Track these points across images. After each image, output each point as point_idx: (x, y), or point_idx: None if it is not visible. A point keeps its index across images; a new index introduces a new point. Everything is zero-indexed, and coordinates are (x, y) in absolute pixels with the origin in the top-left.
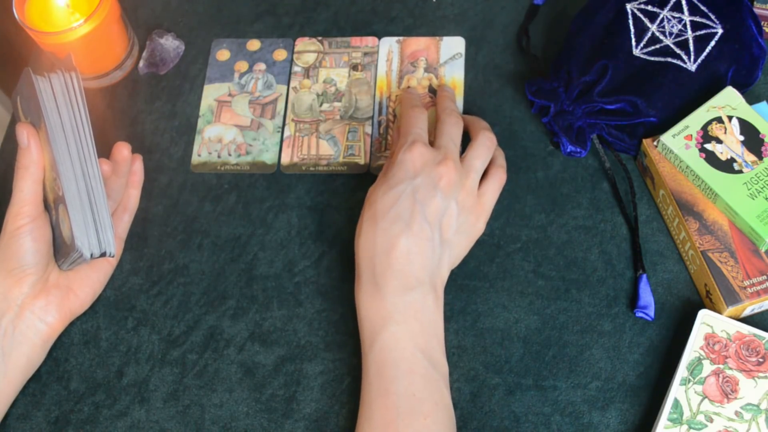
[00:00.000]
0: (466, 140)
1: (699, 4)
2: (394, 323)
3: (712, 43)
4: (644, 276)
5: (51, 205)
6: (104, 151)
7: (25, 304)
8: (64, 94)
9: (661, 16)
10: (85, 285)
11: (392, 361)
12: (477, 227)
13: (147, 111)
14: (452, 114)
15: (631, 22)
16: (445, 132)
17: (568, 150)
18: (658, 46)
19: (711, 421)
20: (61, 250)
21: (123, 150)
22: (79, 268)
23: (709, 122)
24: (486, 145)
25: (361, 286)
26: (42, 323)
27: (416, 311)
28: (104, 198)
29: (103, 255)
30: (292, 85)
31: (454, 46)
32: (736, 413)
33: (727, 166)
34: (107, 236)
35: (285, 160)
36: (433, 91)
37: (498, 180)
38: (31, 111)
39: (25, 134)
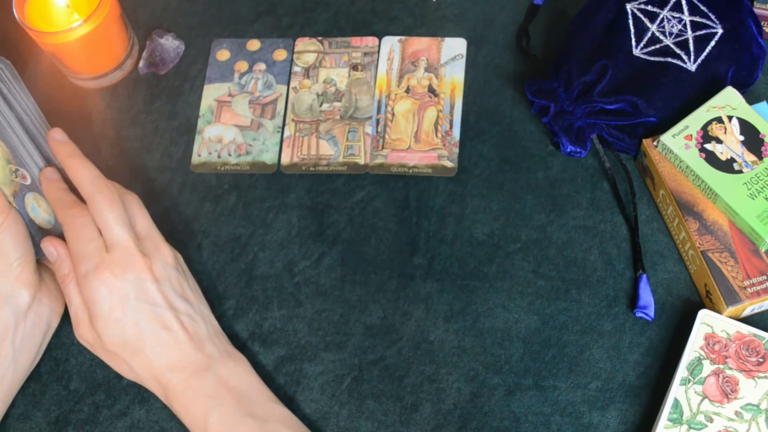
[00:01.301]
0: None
1: (699, 4)
2: (213, 412)
3: (712, 43)
4: (644, 276)
5: (10, 200)
6: (105, 151)
7: (36, 294)
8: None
9: (661, 16)
10: None
11: None
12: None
13: (147, 111)
14: (101, 190)
15: (631, 22)
16: (105, 221)
17: (568, 150)
18: (658, 46)
19: (711, 421)
20: (38, 238)
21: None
22: None
23: (709, 122)
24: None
25: (171, 399)
26: (49, 309)
27: (225, 384)
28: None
29: None
30: (292, 85)
31: (455, 47)
32: (736, 413)
33: (727, 166)
34: None
35: (285, 160)
36: (432, 90)
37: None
38: None
39: None
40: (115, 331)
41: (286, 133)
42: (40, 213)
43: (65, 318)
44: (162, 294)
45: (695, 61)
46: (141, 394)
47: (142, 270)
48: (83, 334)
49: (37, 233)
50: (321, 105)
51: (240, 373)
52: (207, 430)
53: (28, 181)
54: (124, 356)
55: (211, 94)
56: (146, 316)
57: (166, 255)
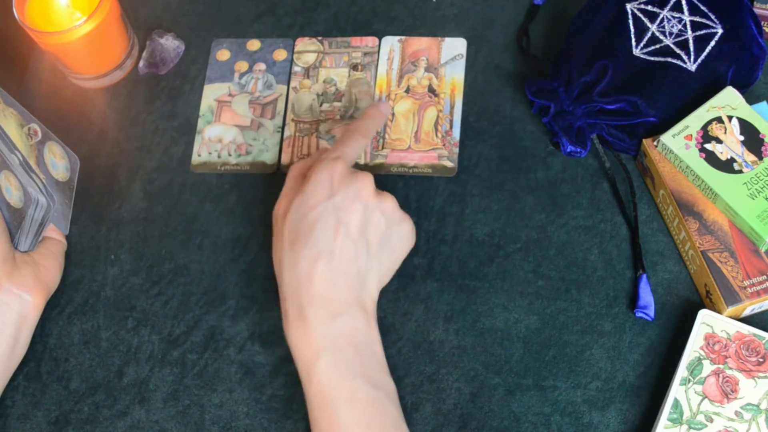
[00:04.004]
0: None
1: (699, 4)
2: (326, 353)
3: (712, 43)
4: (644, 276)
5: None
6: (105, 151)
7: (2, 282)
8: None
9: (661, 16)
10: (48, 257)
11: (331, 393)
12: (408, 237)
13: (147, 111)
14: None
15: (631, 22)
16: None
17: (568, 150)
18: (658, 46)
19: (711, 421)
20: (16, 223)
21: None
22: (38, 244)
23: (709, 122)
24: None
25: (289, 321)
26: (20, 298)
27: (348, 336)
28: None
29: (48, 202)
30: (292, 85)
31: (455, 47)
32: (736, 413)
33: (727, 166)
34: (40, 183)
35: (285, 160)
36: (432, 90)
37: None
38: None
39: None
40: (300, 212)
41: (286, 133)
42: (12, 192)
43: (62, 317)
44: (357, 219)
45: (695, 61)
46: (141, 394)
47: (362, 187)
48: (278, 206)
49: (13, 216)
50: (321, 105)
51: (366, 333)
52: (312, 371)
53: None
54: (286, 240)
55: (211, 94)
56: (329, 222)
57: (388, 200)
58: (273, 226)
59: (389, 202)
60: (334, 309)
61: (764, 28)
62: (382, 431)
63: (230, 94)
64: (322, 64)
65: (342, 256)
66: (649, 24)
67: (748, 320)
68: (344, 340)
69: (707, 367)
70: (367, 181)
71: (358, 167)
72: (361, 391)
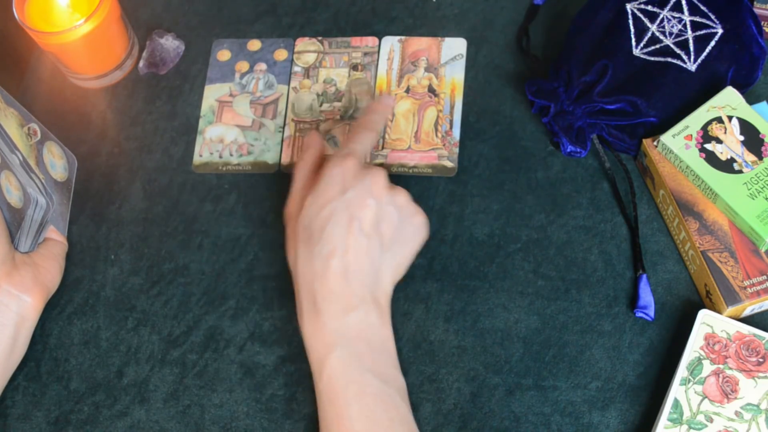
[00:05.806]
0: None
1: (699, 4)
2: (338, 348)
3: (712, 43)
4: (644, 276)
5: None
6: (105, 151)
7: (0, 283)
8: None
9: (661, 16)
10: (48, 258)
11: (342, 387)
12: (421, 230)
13: (147, 111)
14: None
15: (631, 22)
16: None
17: (568, 150)
18: (658, 46)
19: (711, 421)
20: (16, 224)
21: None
22: (39, 246)
23: (709, 122)
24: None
25: (303, 315)
26: (19, 300)
27: (360, 331)
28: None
29: (48, 203)
30: (292, 85)
31: (455, 47)
32: (736, 413)
33: (727, 166)
34: (39, 183)
35: (285, 160)
36: (432, 90)
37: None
38: None
39: None
40: (313, 210)
41: (286, 133)
42: (12, 192)
43: (62, 317)
44: (370, 215)
45: (695, 61)
46: (141, 394)
47: (375, 182)
48: (290, 205)
49: (14, 217)
50: (321, 105)
51: (379, 328)
52: (323, 366)
53: None
54: (300, 238)
55: (213, 94)
56: (342, 219)
57: (401, 194)
58: (285, 225)
59: (402, 196)
60: (348, 304)
61: (764, 28)
62: (390, 426)
63: (231, 95)
64: (322, 64)
65: (356, 252)
66: (649, 24)
67: (748, 320)
68: (356, 335)
69: (707, 367)
70: (380, 175)
71: None
72: (370, 386)
